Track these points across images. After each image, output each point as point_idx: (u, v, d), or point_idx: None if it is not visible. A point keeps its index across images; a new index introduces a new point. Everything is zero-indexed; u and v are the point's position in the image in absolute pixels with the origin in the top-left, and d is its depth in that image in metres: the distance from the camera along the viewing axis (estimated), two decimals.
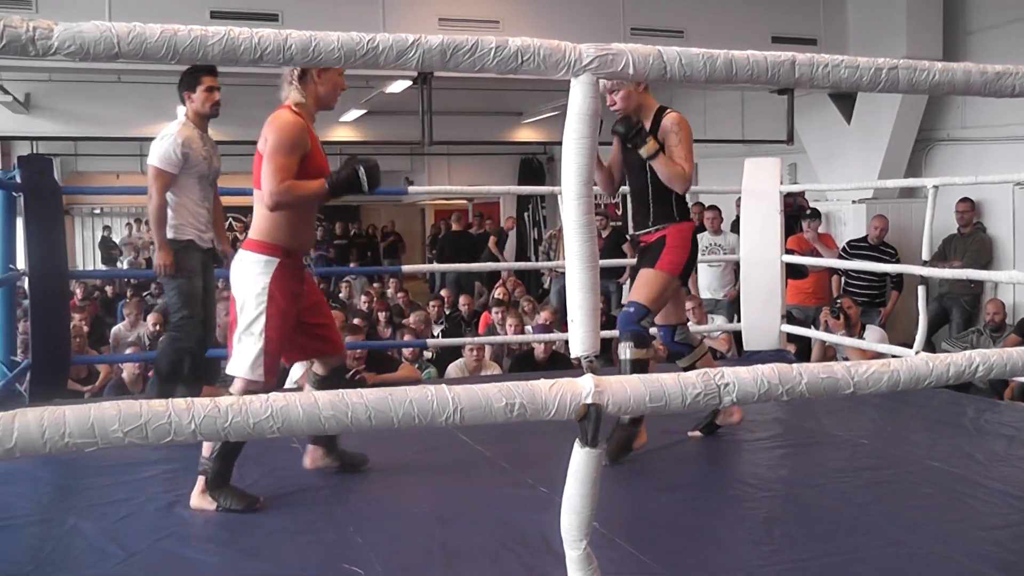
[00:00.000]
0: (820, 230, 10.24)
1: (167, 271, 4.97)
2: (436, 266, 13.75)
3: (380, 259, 19.79)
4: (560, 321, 8.87)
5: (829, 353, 8.45)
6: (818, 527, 3.49)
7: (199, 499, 3.75)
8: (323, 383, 4.00)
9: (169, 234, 4.97)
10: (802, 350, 8.31)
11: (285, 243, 3.73)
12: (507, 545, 3.29)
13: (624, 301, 4.94)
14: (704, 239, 9.77)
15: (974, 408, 5.45)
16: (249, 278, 3.68)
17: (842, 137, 11.05)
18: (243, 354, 3.67)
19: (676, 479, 4.14)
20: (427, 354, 8.33)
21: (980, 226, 9.74)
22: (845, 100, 10.88)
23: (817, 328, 8.08)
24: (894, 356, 5.73)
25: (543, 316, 8.96)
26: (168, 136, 4.91)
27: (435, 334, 9.26)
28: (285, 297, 3.70)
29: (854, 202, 10.67)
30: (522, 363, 7.90)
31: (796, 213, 10.06)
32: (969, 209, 9.55)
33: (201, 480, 3.75)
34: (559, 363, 7.51)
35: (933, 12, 10.10)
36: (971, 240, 9.50)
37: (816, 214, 9.92)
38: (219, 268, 5.42)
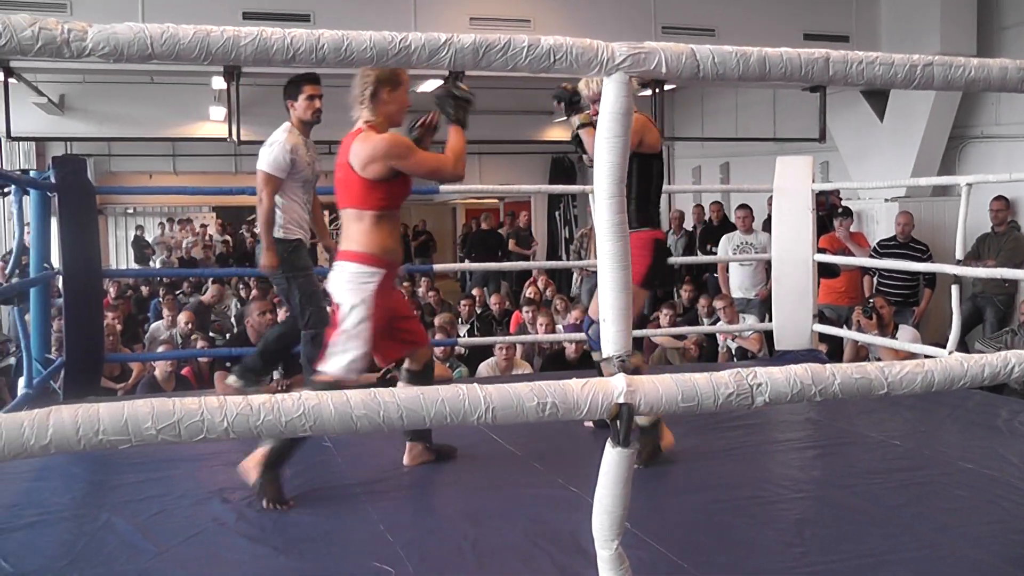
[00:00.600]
0: (852, 229, 10.18)
1: (274, 271, 5.11)
2: (467, 265, 13.75)
3: (412, 258, 19.81)
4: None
5: (862, 353, 8.39)
6: (850, 529, 3.47)
7: (250, 465, 3.82)
8: (415, 378, 4.21)
9: (279, 234, 5.10)
10: (834, 350, 8.26)
11: (387, 255, 3.88)
12: (538, 544, 3.28)
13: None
14: (736, 238, 9.73)
15: (1008, 410, 5.40)
16: (355, 287, 3.81)
17: (875, 135, 10.97)
18: (343, 356, 3.79)
19: (707, 480, 4.12)
20: (460, 350, 8.35)
21: (1015, 224, 9.64)
22: (878, 97, 10.80)
23: (850, 328, 8.02)
24: (927, 356, 5.72)
25: (573, 315, 8.96)
26: (277, 143, 5.07)
27: (461, 334, 9.26)
28: (384, 305, 3.85)
29: (886, 200, 10.60)
30: (553, 362, 7.89)
31: (828, 212, 10.00)
32: (1004, 208, 9.45)
33: (262, 450, 3.81)
34: (591, 362, 7.48)
35: (967, 8, 10.00)
36: (1005, 239, 9.40)
37: (848, 212, 9.85)
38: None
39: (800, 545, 3.32)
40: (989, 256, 9.11)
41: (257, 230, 5.24)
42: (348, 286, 3.82)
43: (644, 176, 4.47)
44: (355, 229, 3.86)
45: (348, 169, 3.83)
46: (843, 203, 10.55)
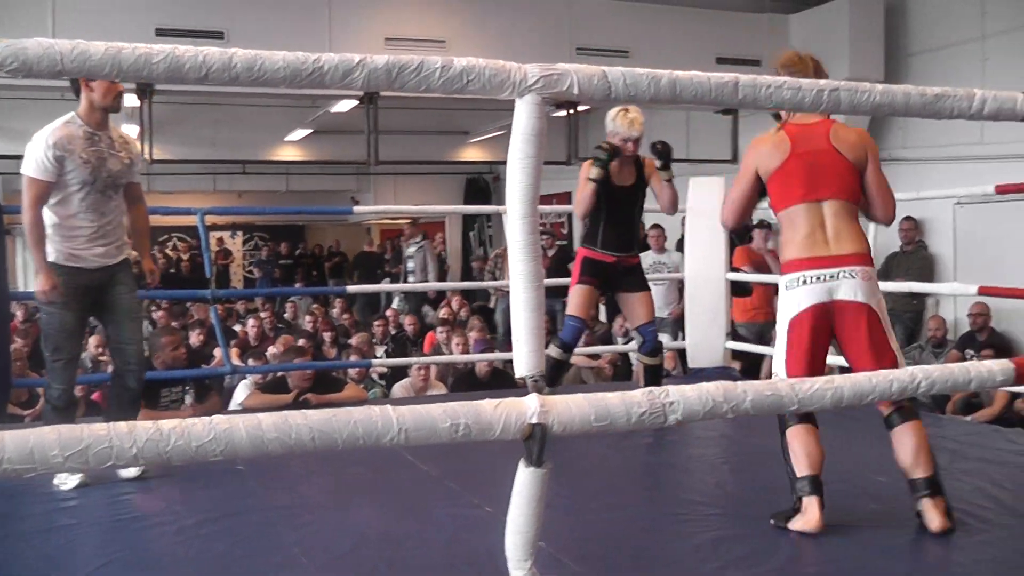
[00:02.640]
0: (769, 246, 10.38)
1: (47, 297, 4.19)
2: (381, 286, 13.69)
3: (326, 279, 19.67)
4: (504, 340, 8.91)
5: None
6: (764, 543, 3.51)
7: None
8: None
9: (52, 256, 4.25)
10: (748, 367, 8.37)
11: None
12: (455, 566, 3.27)
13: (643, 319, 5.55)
14: (648, 257, 9.82)
15: None
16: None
17: None
18: None
19: (624, 497, 4.14)
20: (380, 371, 8.34)
21: (922, 244, 9.90)
22: None
23: (771, 344, 8.13)
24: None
25: (473, 335, 9.02)
26: (38, 138, 4.19)
27: (378, 354, 9.23)
28: None
29: None
30: (464, 381, 7.90)
31: (743, 231, 10.15)
32: (912, 227, 9.71)
33: None
34: (502, 381, 7.51)
35: (875, 35, 10.27)
36: (914, 257, 9.65)
37: (767, 224, 10.06)
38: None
39: (715, 560, 3.34)
40: (898, 274, 9.35)
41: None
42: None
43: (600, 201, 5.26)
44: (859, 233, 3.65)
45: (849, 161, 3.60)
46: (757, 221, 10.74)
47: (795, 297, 3.56)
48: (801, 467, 3.53)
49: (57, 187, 4.20)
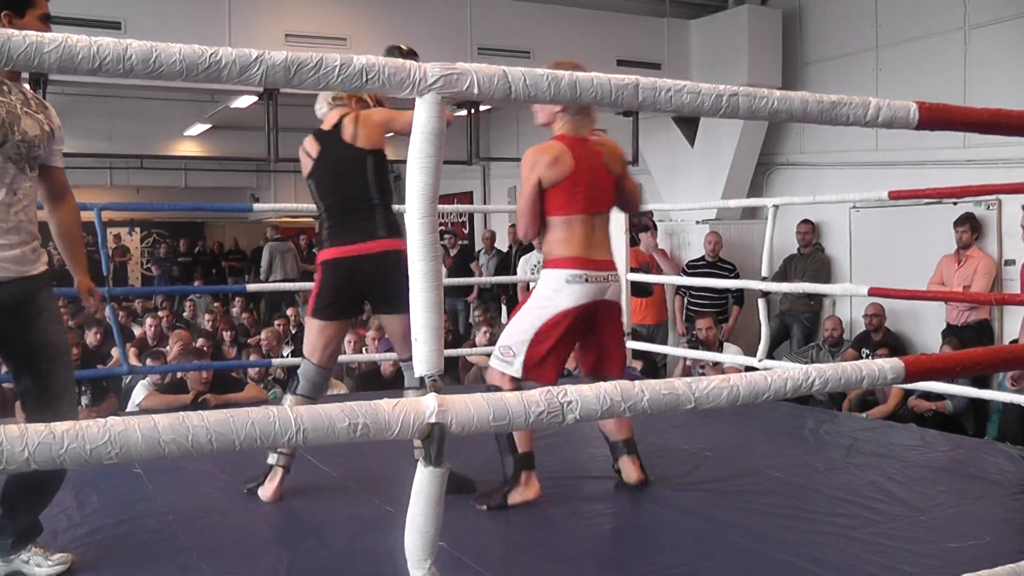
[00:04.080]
0: (660, 246, 10.55)
1: None
2: (281, 285, 13.55)
3: (225, 277, 19.38)
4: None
5: (688, 372, 8.68)
6: (664, 539, 3.56)
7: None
8: None
9: None
10: (648, 366, 8.48)
11: None
12: (354, 566, 3.26)
13: None
14: (535, 258, 9.93)
15: (814, 419, 5.66)
16: None
17: (686, 159, 11.33)
18: None
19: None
20: (279, 373, 8.25)
21: (819, 246, 10.13)
22: (689, 124, 11.15)
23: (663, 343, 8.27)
24: (747, 368, 5.95)
25: (371, 334, 9.01)
26: None
27: (284, 354, 9.14)
28: None
29: (698, 222, 10.95)
30: (369, 381, 7.85)
31: (635, 227, 10.28)
32: (810, 230, 9.93)
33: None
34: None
35: (773, 42, 10.48)
36: (811, 260, 9.87)
37: (652, 226, 10.21)
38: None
39: (616, 558, 3.38)
40: (795, 276, 9.55)
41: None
42: None
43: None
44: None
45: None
46: (656, 224, 10.88)
47: (573, 291, 3.94)
48: (522, 446, 4.04)
49: None
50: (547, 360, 3.96)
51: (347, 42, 8.80)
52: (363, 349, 9.03)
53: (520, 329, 3.99)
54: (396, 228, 4.02)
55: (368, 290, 4.07)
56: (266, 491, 4.04)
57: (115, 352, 7.97)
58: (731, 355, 7.80)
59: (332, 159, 4.09)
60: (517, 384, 3.95)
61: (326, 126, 4.14)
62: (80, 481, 4.16)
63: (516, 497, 3.99)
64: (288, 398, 4.12)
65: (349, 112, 4.09)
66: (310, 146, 4.17)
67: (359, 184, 4.03)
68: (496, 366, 4.07)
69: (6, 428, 1.55)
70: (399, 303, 3.87)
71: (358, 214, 4.03)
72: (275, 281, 14.42)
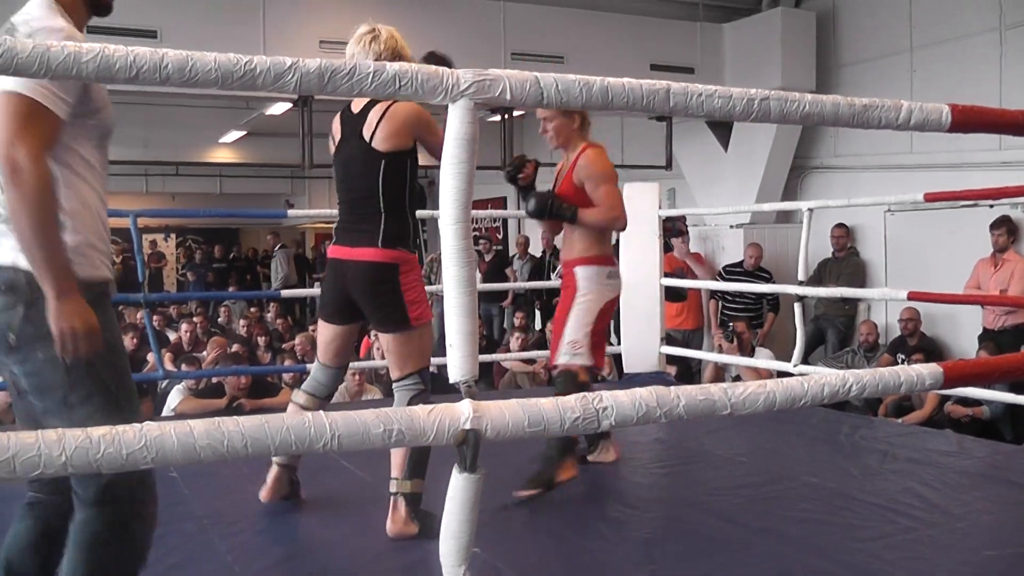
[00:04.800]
0: (693, 250, 10.49)
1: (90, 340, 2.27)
2: (314, 291, 13.62)
3: (260, 283, 19.48)
4: (439, 345, 8.87)
5: (719, 374, 8.64)
6: (699, 545, 3.54)
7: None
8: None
9: (86, 272, 2.37)
10: (683, 371, 8.44)
11: None
12: (390, 571, 3.26)
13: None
14: None
15: (849, 425, 5.61)
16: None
17: (720, 164, 11.28)
18: None
19: (558, 502, 4.14)
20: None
21: (854, 250, 10.05)
22: (722, 128, 11.10)
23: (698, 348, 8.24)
24: (780, 372, 5.93)
25: None
26: (40, 26, 2.31)
27: None
28: None
29: (732, 227, 10.90)
30: None
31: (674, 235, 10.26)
32: (844, 234, 9.86)
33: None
34: (436, 384, 7.49)
35: (807, 45, 10.40)
36: (845, 263, 9.80)
37: (682, 231, 10.17)
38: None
39: (650, 563, 3.37)
40: (830, 280, 9.48)
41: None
42: None
43: None
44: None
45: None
46: (689, 228, 10.85)
47: (612, 285, 4.45)
48: None
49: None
50: (599, 347, 4.41)
51: None
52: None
53: (584, 323, 4.34)
54: (401, 240, 3.76)
55: (357, 299, 3.75)
56: (262, 491, 4.03)
57: (151, 357, 8.03)
58: (763, 360, 7.76)
59: (347, 154, 3.81)
60: (588, 371, 4.33)
61: (355, 107, 3.82)
62: None
63: (562, 475, 4.20)
64: (297, 392, 4.01)
65: (377, 101, 3.71)
66: (335, 128, 3.91)
67: (367, 187, 3.73)
68: (569, 361, 4.33)
69: (44, 433, 1.57)
70: (387, 321, 3.71)
71: (361, 217, 3.74)
72: (290, 287, 14.63)
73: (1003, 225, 8.20)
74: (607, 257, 4.46)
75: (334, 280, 3.82)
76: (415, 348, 3.75)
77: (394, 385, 3.76)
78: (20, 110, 2.19)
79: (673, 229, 9.99)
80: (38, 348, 2.27)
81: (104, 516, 2.37)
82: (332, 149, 3.91)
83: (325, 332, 3.94)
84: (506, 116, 8.46)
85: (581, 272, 4.39)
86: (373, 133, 3.67)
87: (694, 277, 10.01)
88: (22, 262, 2.26)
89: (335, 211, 3.88)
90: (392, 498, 3.62)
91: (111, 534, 2.40)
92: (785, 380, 2.03)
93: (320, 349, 3.99)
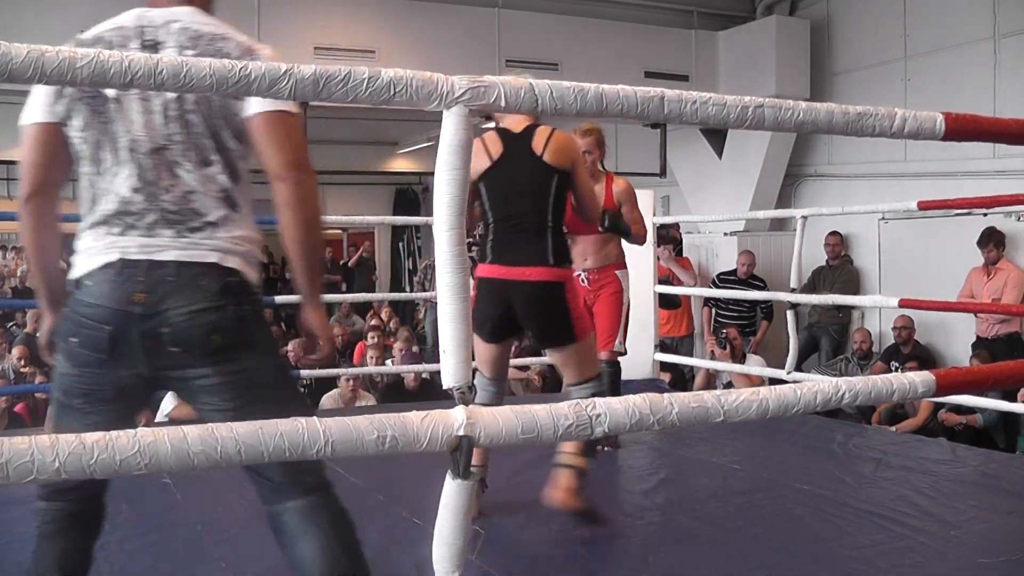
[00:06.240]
0: (685, 255, 10.51)
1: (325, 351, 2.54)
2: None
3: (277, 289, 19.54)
4: (433, 351, 8.90)
5: (711, 380, 8.64)
6: (693, 553, 3.54)
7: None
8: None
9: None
10: (676, 378, 8.45)
11: None
12: None
13: None
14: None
15: (843, 433, 5.62)
16: None
17: (714, 171, 11.29)
18: None
19: (552, 510, 4.14)
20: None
21: (848, 258, 10.07)
22: (716, 135, 11.12)
23: (688, 355, 8.25)
24: (772, 379, 5.95)
25: (398, 345, 8.99)
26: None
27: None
28: None
29: (726, 234, 10.91)
30: (392, 393, 7.87)
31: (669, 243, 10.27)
32: (838, 242, 9.88)
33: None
34: (430, 390, 7.52)
35: (801, 53, 10.43)
36: (839, 271, 9.82)
37: (673, 240, 10.19)
38: None
39: (645, 571, 3.37)
40: (824, 288, 9.49)
41: None
42: None
43: None
44: None
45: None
46: (683, 235, 10.86)
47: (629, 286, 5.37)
48: None
49: None
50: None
51: (376, 55, 8.84)
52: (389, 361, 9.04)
53: (618, 319, 5.28)
54: (567, 257, 3.84)
55: (522, 318, 3.77)
56: None
57: None
58: (754, 366, 7.76)
59: (515, 167, 3.76)
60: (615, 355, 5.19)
61: (513, 127, 3.81)
62: (109, 491, 4.17)
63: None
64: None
65: (539, 123, 3.81)
66: (492, 144, 3.82)
67: (538, 202, 3.72)
68: (618, 346, 5.25)
69: (37, 438, 1.56)
70: (556, 339, 3.81)
71: (528, 234, 3.72)
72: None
73: (988, 241, 8.16)
74: (624, 264, 5.42)
75: (493, 300, 3.78)
76: (586, 356, 3.88)
77: (572, 388, 3.89)
78: (299, 127, 2.41)
79: (667, 236, 10.01)
80: (246, 349, 2.30)
81: (332, 493, 2.54)
82: (483, 168, 3.79)
83: (486, 351, 3.91)
84: None
85: (621, 275, 5.31)
86: (544, 149, 3.72)
87: (679, 284, 10.02)
88: (232, 264, 2.39)
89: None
90: (562, 470, 3.75)
91: (342, 508, 2.56)
92: (778, 387, 2.03)
93: (483, 367, 3.95)
